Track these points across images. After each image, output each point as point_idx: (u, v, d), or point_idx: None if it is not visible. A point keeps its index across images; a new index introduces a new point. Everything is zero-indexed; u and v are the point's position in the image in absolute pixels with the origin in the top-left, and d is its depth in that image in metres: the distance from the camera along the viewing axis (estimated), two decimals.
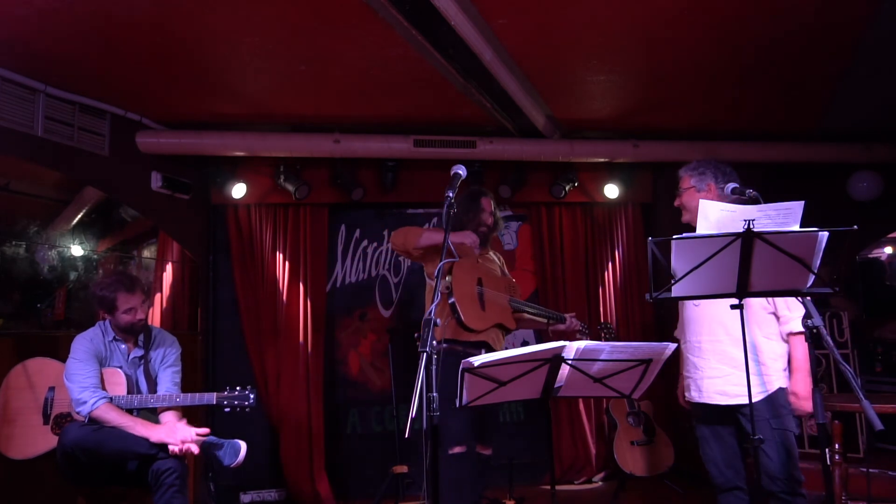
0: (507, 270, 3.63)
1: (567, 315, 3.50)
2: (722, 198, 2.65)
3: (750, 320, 2.58)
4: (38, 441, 2.97)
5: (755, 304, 2.59)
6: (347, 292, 5.13)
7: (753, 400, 2.51)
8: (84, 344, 2.98)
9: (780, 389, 2.59)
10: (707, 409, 2.66)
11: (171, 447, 2.75)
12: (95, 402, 2.82)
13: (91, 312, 3.12)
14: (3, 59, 3.46)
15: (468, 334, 3.11)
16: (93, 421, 2.84)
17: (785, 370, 2.62)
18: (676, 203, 2.88)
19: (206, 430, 2.87)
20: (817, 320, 2.05)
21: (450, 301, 3.04)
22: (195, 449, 2.78)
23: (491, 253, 3.58)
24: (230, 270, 4.87)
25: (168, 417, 3.03)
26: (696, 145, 4.89)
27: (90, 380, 2.87)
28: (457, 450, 3.01)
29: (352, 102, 4.27)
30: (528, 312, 3.46)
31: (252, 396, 3.06)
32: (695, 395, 2.70)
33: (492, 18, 3.20)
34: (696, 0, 3.08)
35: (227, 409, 3.05)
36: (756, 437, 2.25)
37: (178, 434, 2.78)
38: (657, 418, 4.74)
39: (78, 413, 2.87)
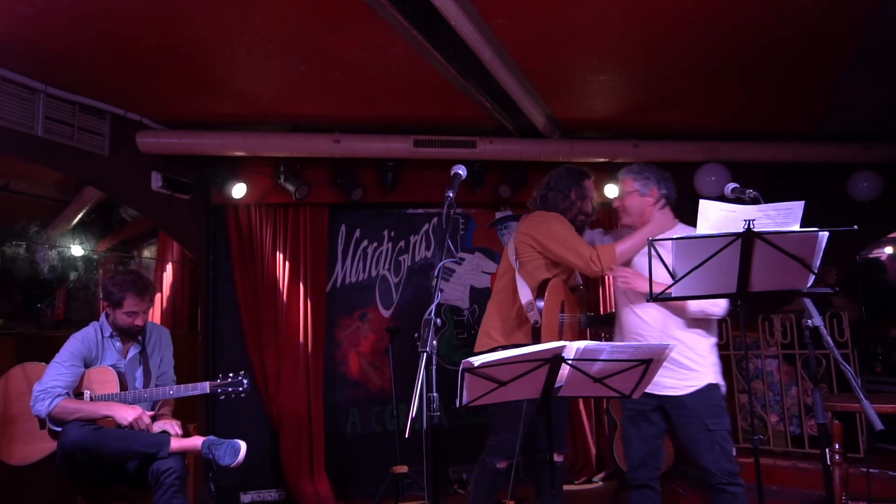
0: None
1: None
2: (660, 203, 2.85)
3: (675, 317, 2.70)
4: (37, 446, 2.96)
5: (676, 302, 2.64)
6: (347, 292, 5.13)
7: (682, 393, 2.66)
8: (73, 345, 2.97)
9: (711, 385, 2.65)
10: (639, 402, 2.70)
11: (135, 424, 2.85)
12: (50, 402, 2.79)
13: (91, 311, 3.10)
14: (3, 59, 3.46)
15: None
16: (90, 422, 2.84)
17: (715, 365, 2.70)
18: (616, 205, 2.92)
19: (151, 413, 2.97)
20: (817, 320, 2.06)
21: (534, 324, 2.88)
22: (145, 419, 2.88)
23: None
24: (230, 270, 4.87)
25: (163, 410, 3.16)
26: (696, 145, 4.89)
27: (53, 381, 2.84)
28: (503, 465, 3.02)
29: (352, 102, 4.27)
30: (592, 327, 3.31)
31: (246, 381, 3.06)
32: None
33: (492, 18, 3.20)
34: (696, 0, 3.08)
35: (222, 397, 3.05)
36: (756, 436, 2.26)
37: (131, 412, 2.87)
38: None
39: (36, 414, 2.85)
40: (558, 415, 3.06)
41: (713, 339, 2.75)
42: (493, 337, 3.07)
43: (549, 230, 2.98)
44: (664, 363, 2.66)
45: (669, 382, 2.66)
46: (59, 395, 2.82)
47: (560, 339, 2.92)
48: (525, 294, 2.95)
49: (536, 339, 2.86)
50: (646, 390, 2.70)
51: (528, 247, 3.02)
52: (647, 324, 2.75)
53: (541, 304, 2.86)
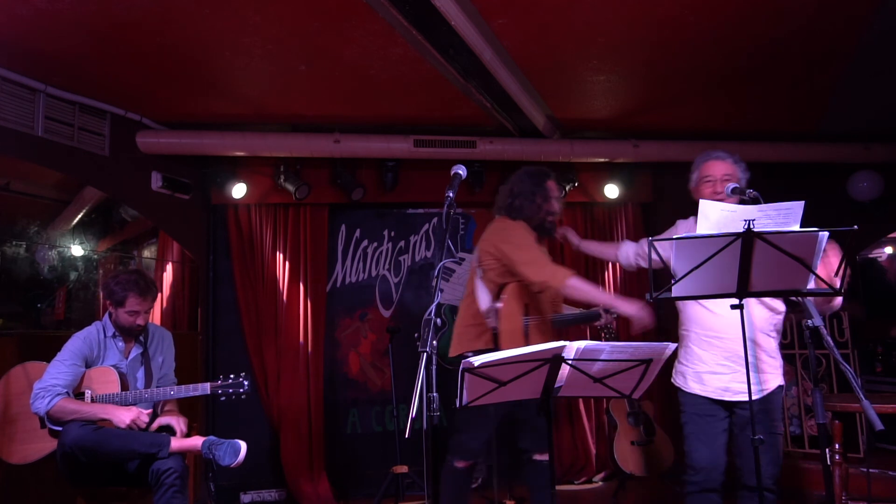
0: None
1: (602, 311, 3.14)
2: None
3: (755, 314, 2.58)
4: (37, 444, 2.96)
5: (752, 301, 2.58)
6: (347, 292, 5.13)
7: (757, 396, 2.54)
8: (75, 343, 2.98)
9: (779, 387, 2.61)
10: (703, 402, 2.64)
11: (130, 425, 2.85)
12: (49, 401, 2.80)
13: (91, 311, 3.11)
14: (3, 59, 3.46)
15: None
16: (90, 422, 2.84)
17: (781, 367, 2.65)
18: (720, 189, 2.62)
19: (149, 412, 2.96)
20: (817, 320, 2.05)
21: (493, 330, 2.85)
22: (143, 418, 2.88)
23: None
24: (230, 270, 4.87)
25: (168, 407, 3.17)
26: (696, 145, 4.87)
27: (54, 380, 2.85)
28: (461, 464, 2.97)
29: (352, 102, 4.27)
30: (570, 323, 3.19)
31: (246, 383, 3.06)
32: (695, 387, 2.66)
33: (492, 18, 3.20)
34: (696, 0, 3.08)
35: (222, 399, 3.05)
36: (756, 436, 2.25)
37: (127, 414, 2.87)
38: (657, 418, 4.73)
39: (35, 412, 2.85)
40: (536, 415, 3.00)
41: (779, 338, 2.68)
42: (460, 342, 3.07)
43: (508, 237, 2.99)
44: (740, 367, 2.49)
45: (743, 388, 2.51)
46: (58, 395, 2.82)
47: (525, 343, 2.88)
48: (484, 300, 2.96)
49: (497, 346, 2.83)
50: (722, 394, 2.59)
51: (489, 254, 3.02)
52: (725, 322, 2.56)
53: (498, 304, 2.86)
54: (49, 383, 2.84)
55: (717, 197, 2.59)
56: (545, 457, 3.05)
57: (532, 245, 2.97)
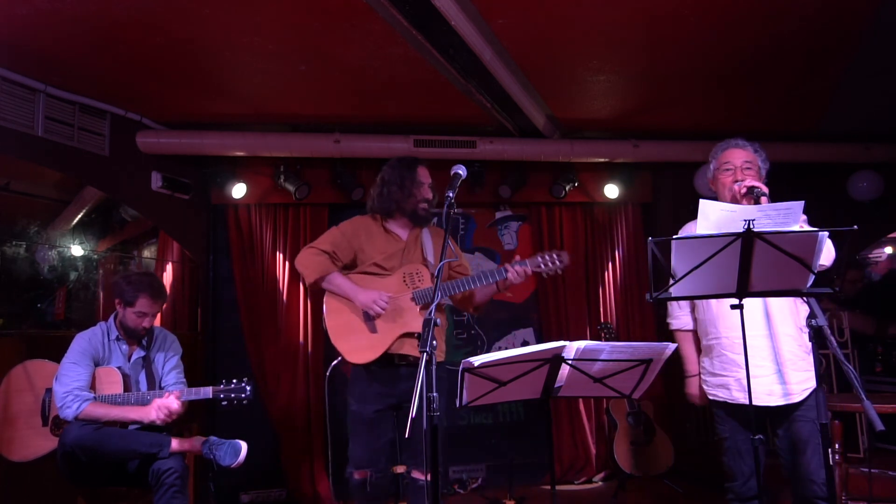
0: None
1: (508, 266, 2.77)
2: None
3: (784, 309, 2.44)
4: (38, 443, 2.97)
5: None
6: None
7: (803, 396, 2.39)
8: (81, 344, 2.98)
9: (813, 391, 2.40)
10: (747, 412, 2.39)
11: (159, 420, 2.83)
12: (79, 406, 2.81)
13: (91, 311, 3.11)
14: (3, 59, 3.46)
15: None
16: (90, 422, 2.84)
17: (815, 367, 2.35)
18: (741, 177, 2.50)
19: (178, 392, 2.90)
20: (821, 320, 2.04)
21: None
22: (175, 407, 2.83)
23: (424, 235, 3.04)
24: (230, 270, 4.87)
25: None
26: (696, 145, 4.89)
27: (76, 383, 2.85)
28: (357, 475, 2.85)
29: (352, 102, 4.28)
30: (451, 297, 2.90)
31: (248, 388, 3.03)
32: (738, 397, 2.46)
33: (492, 18, 3.20)
34: (696, 0, 3.08)
35: (224, 403, 3.01)
36: (757, 436, 2.23)
37: (157, 409, 2.83)
38: (657, 418, 4.74)
39: (64, 418, 2.85)
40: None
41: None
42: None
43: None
44: (767, 374, 2.38)
45: (792, 388, 2.39)
46: (86, 400, 2.83)
47: (374, 331, 2.78)
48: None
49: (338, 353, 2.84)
50: (767, 398, 2.40)
51: None
52: (749, 319, 2.32)
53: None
54: (72, 387, 2.84)
55: (736, 187, 2.47)
56: (423, 476, 2.81)
57: (327, 236, 2.94)
